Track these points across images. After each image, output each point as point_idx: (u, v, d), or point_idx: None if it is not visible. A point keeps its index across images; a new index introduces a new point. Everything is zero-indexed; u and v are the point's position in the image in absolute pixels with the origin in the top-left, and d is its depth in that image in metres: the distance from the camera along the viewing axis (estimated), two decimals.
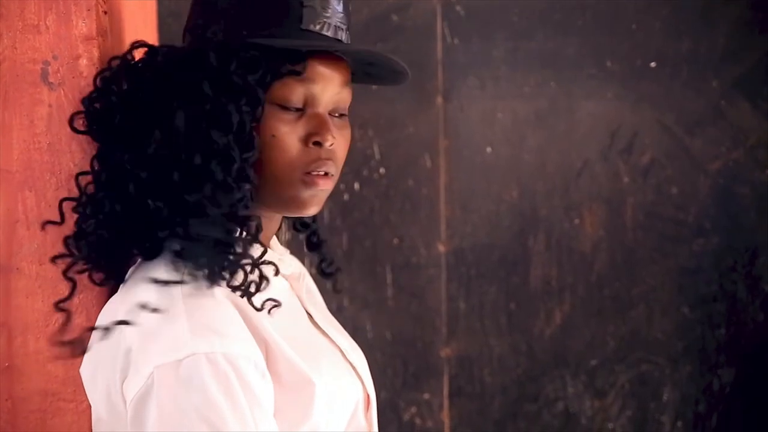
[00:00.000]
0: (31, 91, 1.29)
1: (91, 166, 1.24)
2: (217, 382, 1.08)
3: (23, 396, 1.33)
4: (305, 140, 1.23)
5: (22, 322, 1.32)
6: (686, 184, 2.42)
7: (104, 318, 1.19)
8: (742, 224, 2.43)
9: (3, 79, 1.28)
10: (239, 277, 1.18)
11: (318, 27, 1.24)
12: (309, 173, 1.24)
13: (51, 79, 1.28)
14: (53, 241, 1.30)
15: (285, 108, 1.22)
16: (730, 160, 2.42)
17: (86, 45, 1.29)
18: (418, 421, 2.43)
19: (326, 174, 1.25)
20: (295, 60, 1.21)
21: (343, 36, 1.27)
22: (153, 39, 1.93)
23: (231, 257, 1.18)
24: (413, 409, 2.42)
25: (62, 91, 1.29)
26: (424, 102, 2.37)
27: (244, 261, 1.19)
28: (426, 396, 2.43)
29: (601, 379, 2.45)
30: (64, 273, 1.24)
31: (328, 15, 1.25)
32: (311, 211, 1.27)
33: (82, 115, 1.25)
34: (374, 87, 2.29)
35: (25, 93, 1.28)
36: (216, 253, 1.17)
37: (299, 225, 1.56)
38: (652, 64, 2.40)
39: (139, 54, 1.27)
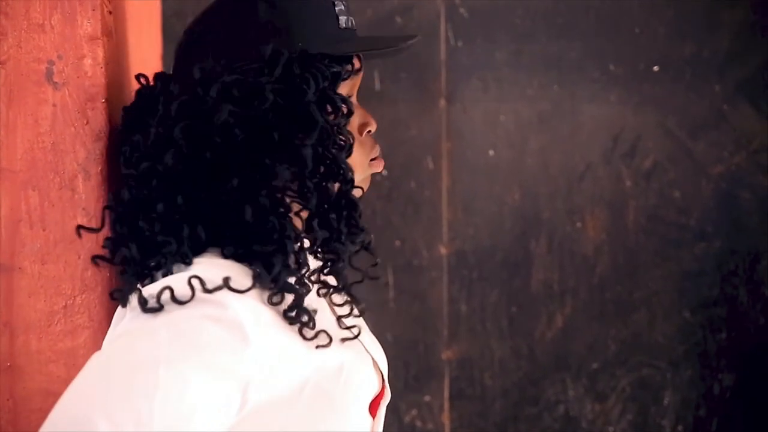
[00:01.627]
0: (36, 90, 1.28)
1: (150, 190, 1.18)
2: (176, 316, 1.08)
3: (24, 395, 1.33)
4: (360, 132, 1.27)
5: (24, 322, 1.32)
6: (688, 188, 2.42)
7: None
8: (744, 228, 2.43)
9: (8, 78, 1.28)
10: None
11: (346, 23, 1.26)
12: (374, 159, 1.29)
13: (55, 79, 1.28)
14: (56, 240, 1.30)
15: None
16: (732, 164, 2.42)
17: (91, 45, 1.29)
18: (418, 423, 2.43)
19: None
20: (349, 61, 1.23)
21: (354, 23, 1.30)
22: (157, 39, 1.93)
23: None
24: (414, 411, 2.42)
25: (66, 91, 1.28)
26: (427, 104, 2.37)
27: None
28: (427, 398, 2.43)
29: (602, 382, 2.45)
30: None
31: (347, 8, 1.27)
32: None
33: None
34: (377, 88, 2.29)
35: (29, 92, 1.28)
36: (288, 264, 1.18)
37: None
38: (655, 68, 2.40)
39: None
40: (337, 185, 1.19)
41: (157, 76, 1.29)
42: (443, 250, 2.41)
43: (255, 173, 1.15)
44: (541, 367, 2.45)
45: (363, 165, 1.27)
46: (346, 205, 1.20)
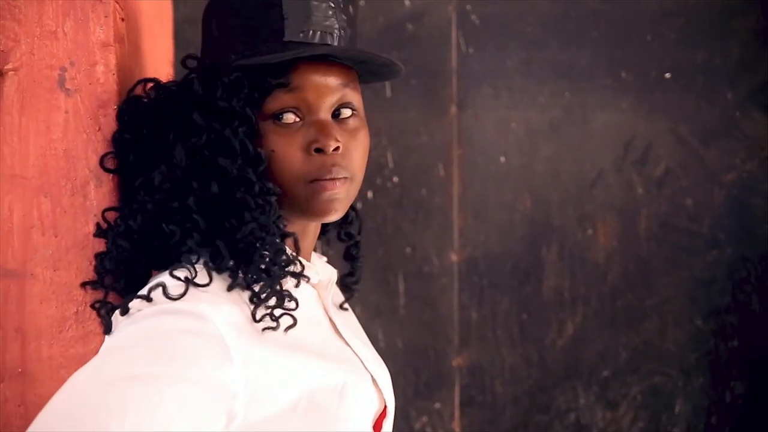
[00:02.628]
0: (48, 97, 1.29)
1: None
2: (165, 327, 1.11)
3: (36, 401, 1.33)
4: (307, 149, 1.23)
5: (35, 328, 1.32)
6: (700, 195, 2.41)
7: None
8: (756, 235, 2.42)
9: (20, 84, 1.29)
10: (266, 288, 1.19)
11: (302, 36, 1.24)
12: (317, 180, 1.24)
13: (68, 86, 1.29)
14: (67, 247, 1.30)
15: (279, 120, 1.23)
16: (744, 171, 2.41)
17: (103, 52, 1.29)
18: (429, 430, 2.42)
19: (338, 178, 1.25)
20: (279, 73, 1.22)
21: (333, 40, 1.27)
22: (169, 46, 1.93)
23: (273, 271, 1.20)
24: (424, 419, 2.42)
25: (79, 98, 1.29)
26: (438, 111, 2.37)
27: (278, 275, 1.21)
28: (437, 405, 2.42)
29: (613, 390, 2.45)
30: (92, 306, 1.27)
31: (312, 23, 1.25)
32: (332, 216, 1.27)
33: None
34: (388, 95, 2.29)
35: (41, 99, 1.29)
36: (255, 266, 1.19)
37: (343, 235, 1.56)
38: (667, 75, 2.39)
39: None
40: (217, 187, 1.19)
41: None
42: (454, 257, 2.41)
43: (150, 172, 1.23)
44: (552, 374, 2.44)
45: (296, 180, 1.24)
46: (231, 204, 1.20)
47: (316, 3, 1.26)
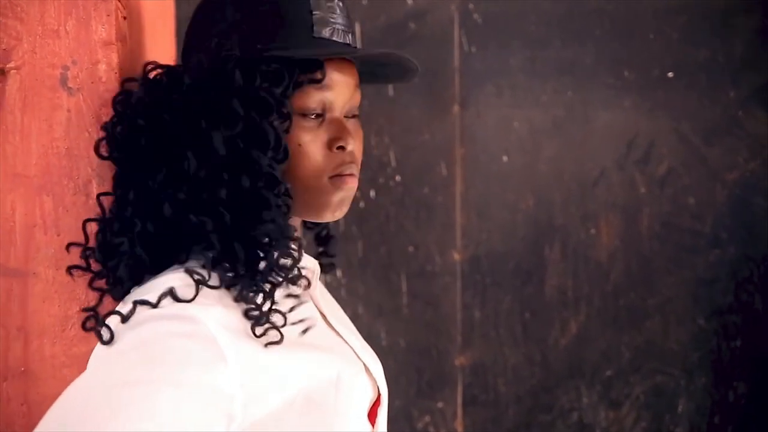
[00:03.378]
0: (50, 95, 1.29)
1: (114, 187, 1.24)
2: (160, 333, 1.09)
3: (39, 400, 1.33)
4: (329, 145, 1.25)
5: (38, 327, 1.32)
6: (703, 194, 2.41)
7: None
8: (758, 234, 2.42)
9: (22, 83, 1.28)
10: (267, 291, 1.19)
11: (328, 33, 1.26)
12: (338, 175, 1.26)
13: (70, 84, 1.28)
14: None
15: (306, 116, 1.24)
16: (747, 170, 2.41)
17: (105, 50, 1.29)
18: (431, 429, 2.42)
19: (354, 174, 1.28)
20: (313, 68, 1.23)
21: (350, 39, 1.29)
22: (171, 44, 1.93)
23: (274, 273, 1.19)
24: (427, 418, 2.42)
25: (81, 96, 1.29)
26: (441, 109, 2.37)
27: (279, 278, 1.20)
28: (440, 405, 2.42)
29: (615, 389, 2.44)
30: (90, 285, 1.24)
31: (334, 20, 1.27)
32: (339, 214, 1.29)
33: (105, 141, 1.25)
34: (390, 94, 2.29)
35: (44, 98, 1.29)
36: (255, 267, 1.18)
37: (310, 222, 1.56)
38: (670, 74, 2.39)
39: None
40: (248, 181, 1.18)
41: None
42: (457, 256, 2.41)
43: (174, 161, 1.18)
44: (554, 374, 2.44)
45: (320, 176, 1.25)
46: (254, 201, 1.18)
47: (336, 1, 1.27)
